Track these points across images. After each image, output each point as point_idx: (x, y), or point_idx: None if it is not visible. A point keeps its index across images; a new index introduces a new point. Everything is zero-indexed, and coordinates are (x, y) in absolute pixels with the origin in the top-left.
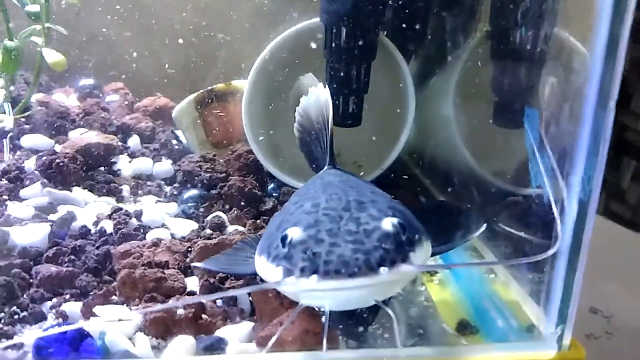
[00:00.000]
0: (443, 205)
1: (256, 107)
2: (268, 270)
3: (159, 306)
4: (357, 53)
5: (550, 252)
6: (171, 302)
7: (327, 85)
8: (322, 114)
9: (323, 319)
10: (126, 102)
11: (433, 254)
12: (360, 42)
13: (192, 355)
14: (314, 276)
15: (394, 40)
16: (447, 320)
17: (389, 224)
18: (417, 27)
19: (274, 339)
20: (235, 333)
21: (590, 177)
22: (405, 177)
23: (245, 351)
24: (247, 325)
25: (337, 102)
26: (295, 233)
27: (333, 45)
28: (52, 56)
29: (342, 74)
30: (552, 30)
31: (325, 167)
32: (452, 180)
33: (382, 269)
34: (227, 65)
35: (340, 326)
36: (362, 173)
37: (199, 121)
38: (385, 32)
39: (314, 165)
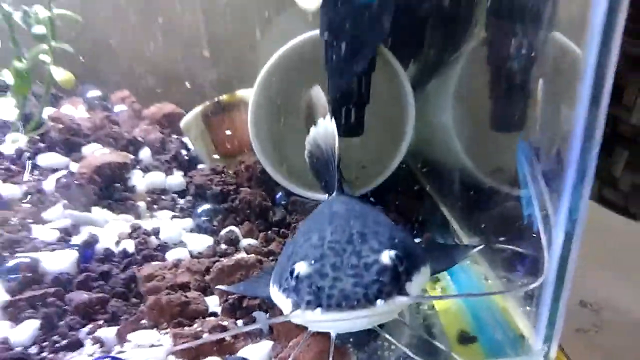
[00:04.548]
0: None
1: (262, 117)
2: (280, 299)
3: (189, 344)
4: (358, 68)
5: (536, 284)
6: (205, 338)
7: (329, 98)
8: (330, 144)
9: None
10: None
11: (435, 272)
12: (361, 58)
13: None
14: (318, 309)
15: (392, 48)
16: (447, 328)
17: (387, 257)
18: (415, 34)
19: None
20: (256, 352)
21: (575, 207)
22: (407, 183)
23: None
24: (266, 345)
25: (339, 114)
26: (302, 268)
27: (333, 61)
28: (61, 74)
29: (343, 88)
30: (548, 35)
31: (334, 194)
32: (452, 186)
33: (378, 301)
34: (236, 71)
35: (351, 340)
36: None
37: (207, 133)
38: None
39: (323, 184)
